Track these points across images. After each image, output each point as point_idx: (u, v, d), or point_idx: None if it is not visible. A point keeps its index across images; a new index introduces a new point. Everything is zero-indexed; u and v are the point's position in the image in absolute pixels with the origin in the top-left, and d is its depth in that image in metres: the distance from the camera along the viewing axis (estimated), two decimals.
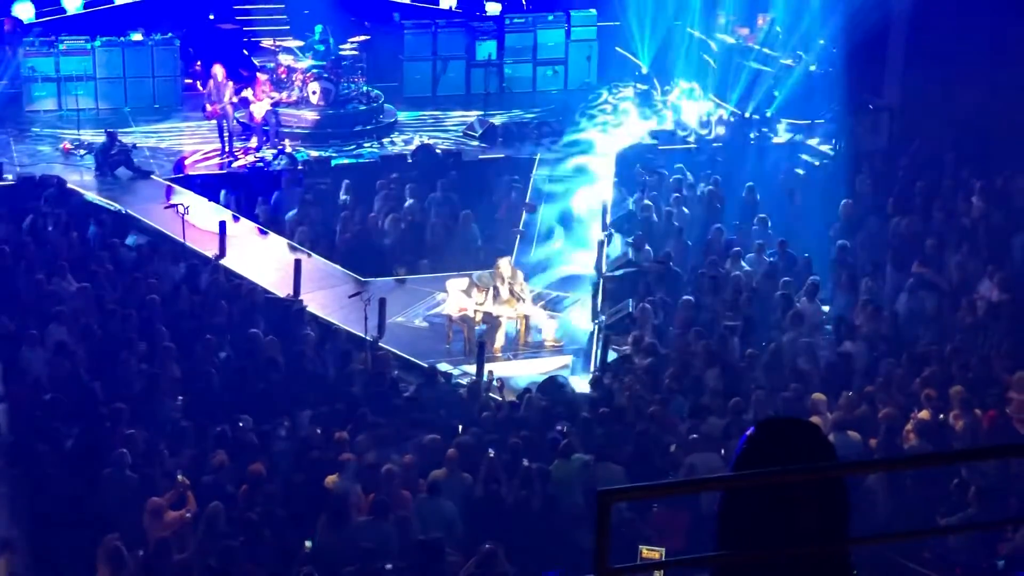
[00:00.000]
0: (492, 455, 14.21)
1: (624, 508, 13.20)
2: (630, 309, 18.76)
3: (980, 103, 22.67)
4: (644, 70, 28.26)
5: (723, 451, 14.26)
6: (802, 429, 3.61)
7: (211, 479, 13.96)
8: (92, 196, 22.30)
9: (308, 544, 13.30)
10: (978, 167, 21.90)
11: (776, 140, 25.29)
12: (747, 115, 26.10)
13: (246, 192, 23.06)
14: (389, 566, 12.57)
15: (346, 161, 24.89)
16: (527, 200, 23.32)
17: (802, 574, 3.53)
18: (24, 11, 27.58)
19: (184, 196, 22.21)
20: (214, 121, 24.99)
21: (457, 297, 18.87)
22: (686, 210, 21.73)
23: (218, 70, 24.74)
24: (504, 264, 19.02)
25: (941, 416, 15.10)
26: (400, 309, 19.70)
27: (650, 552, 12.78)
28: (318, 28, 26.77)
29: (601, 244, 21.03)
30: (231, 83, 24.80)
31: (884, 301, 18.44)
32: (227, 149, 24.69)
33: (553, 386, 16.94)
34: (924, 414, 15.12)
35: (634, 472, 14.13)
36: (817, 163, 23.97)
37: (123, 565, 12.56)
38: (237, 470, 14.05)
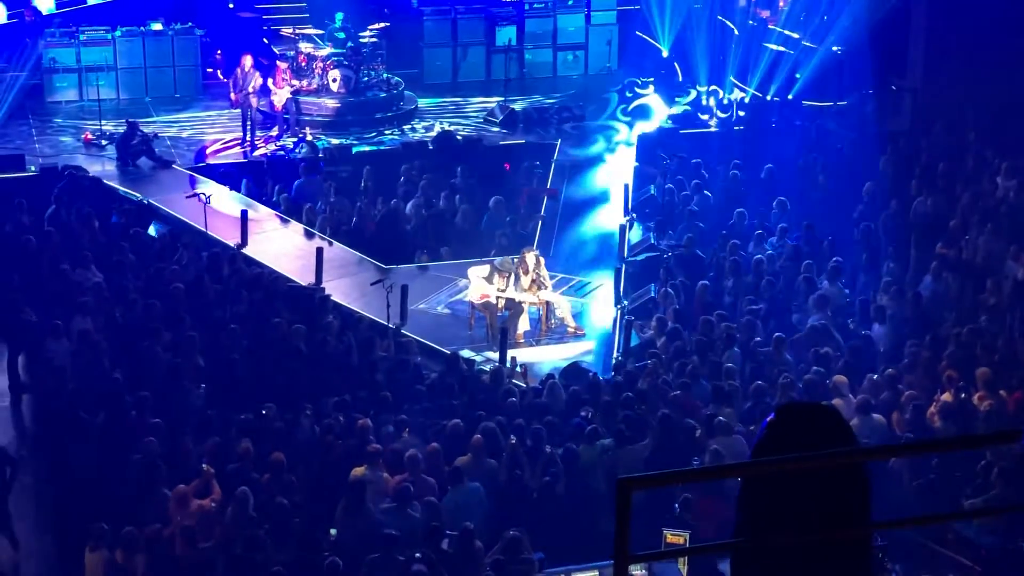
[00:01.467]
0: (514, 441, 14.20)
1: (650, 493, 13.18)
2: (652, 293, 18.75)
3: (1002, 83, 22.56)
4: (664, 54, 28.15)
5: (747, 433, 14.23)
6: (822, 414, 3.59)
7: (236, 467, 14.01)
8: (114, 186, 22.37)
9: (333, 532, 13.34)
10: (1001, 147, 21.78)
11: (798, 122, 25.17)
12: (768, 98, 26.00)
13: (267, 180, 23.09)
14: (419, 555, 12.55)
15: (367, 148, 24.87)
16: (548, 185, 23.29)
17: (822, 557, 3.52)
18: (44, 2, 27.63)
19: (206, 185, 22.26)
20: (236, 110, 25.02)
21: (479, 284, 18.84)
22: (708, 194, 21.68)
23: (246, 60, 24.74)
24: (529, 255, 18.97)
25: (963, 396, 15.03)
26: (422, 296, 19.70)
27: (674, 537, 12.76)
28: (338, 16, 26.74)
29: (623, 229, 20.98)
30: (257, 73, 24.77)
31: (907, 283, 18.37)
32: (248, 138, 24.72)
33: (576, 372, 16.94)
34: (948, 396, 15.06)
35: (657, 457, 14.11)
36: (839, 145, 23.85)
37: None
38: (261, 458, 14.10)
